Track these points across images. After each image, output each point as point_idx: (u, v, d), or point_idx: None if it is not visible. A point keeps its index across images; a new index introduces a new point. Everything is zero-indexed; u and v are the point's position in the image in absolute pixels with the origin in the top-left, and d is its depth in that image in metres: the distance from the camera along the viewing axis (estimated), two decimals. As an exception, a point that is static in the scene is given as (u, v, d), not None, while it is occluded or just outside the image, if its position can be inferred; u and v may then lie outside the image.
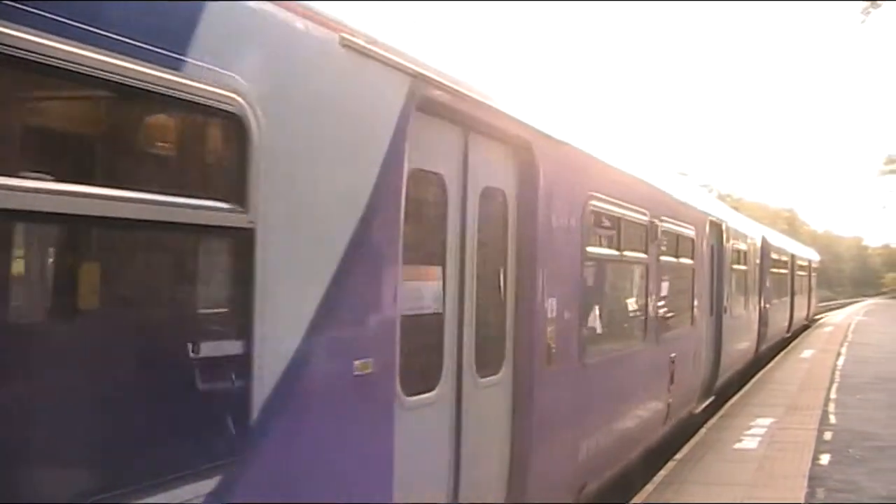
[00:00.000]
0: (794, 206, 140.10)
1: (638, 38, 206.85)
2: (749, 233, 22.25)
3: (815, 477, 10.79)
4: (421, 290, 5.43)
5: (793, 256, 33.65)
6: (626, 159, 10.50)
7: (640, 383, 10.66)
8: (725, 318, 16.96)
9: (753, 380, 20.45)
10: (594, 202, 8.33)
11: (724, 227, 17.03)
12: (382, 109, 4.61)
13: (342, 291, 4.18)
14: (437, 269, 5.53)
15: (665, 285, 11.84)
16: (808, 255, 43.65)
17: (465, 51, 6.72)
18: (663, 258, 11.52)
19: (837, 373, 21.84)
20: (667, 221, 11.47)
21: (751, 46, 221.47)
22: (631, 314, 10.57)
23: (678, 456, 12.03)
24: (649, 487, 10.35)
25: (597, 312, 8.87)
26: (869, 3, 40.33)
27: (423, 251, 5.52)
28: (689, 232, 13.31)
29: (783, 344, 30.11)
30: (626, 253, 9.77)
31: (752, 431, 13.75)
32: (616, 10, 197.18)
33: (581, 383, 7.97)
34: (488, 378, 6.13)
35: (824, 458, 11.86)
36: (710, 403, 15.64)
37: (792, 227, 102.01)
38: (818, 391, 18.52)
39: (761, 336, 23.71)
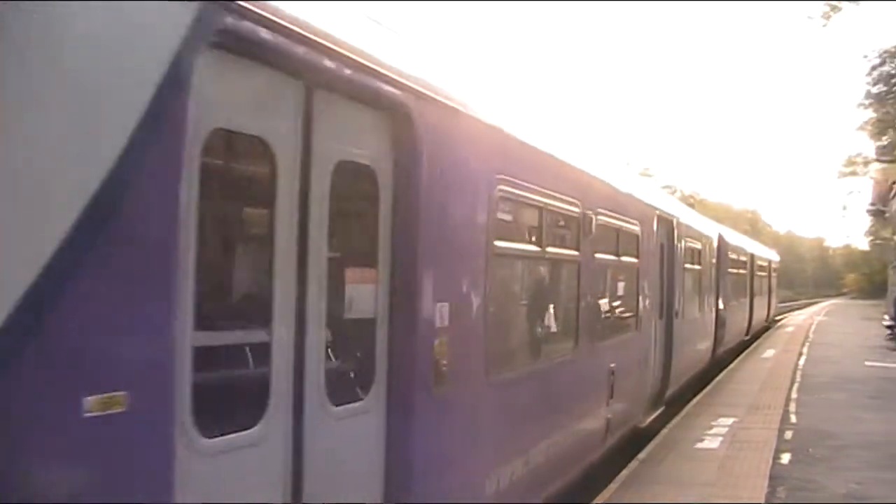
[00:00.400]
0: (757, 207, 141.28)
1: (604, 39, 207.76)
2: (704, 231, 20.98)
3: (776, 476, 10.78)
4: (230, 298, 4.41)
5: (752, 256, 32.45)
6: (553, 139, 9.06)
7: (570, 400, 9.22)
8: (677, 322, 15.71)
9: (709, 386, 19.83)
10: (505, 187, 6.86)
11: (675, 224, 15.73)
12: (144, 44, 3.32)
13: (67, 302, 2.99)
14: (259, 271, 4.30)
15: (602, 286, 10.61)
16: (768, 255, 42.41)
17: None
18: (600, 256, 10.10)
19: (798, 372, 21.95)
20: (605, 215, 10.14)
21: (714, 48, 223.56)
22: (557, 320, 9.08)
23: (640, 456, 11.95)
24: (612, 486, 10.30)
25: (510, 319, 7.69)
26: (829, 7, 41.10)
27: (232, 244, 4.47)
28: (634, 227, 12.07)
29: (742, 347, 29.21)
30: (550, 249, 8.38)
31: (714, 431, 13.70)
32: (580, 11, 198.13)
33: (486, 406, 6.58)
34: (347, 406, 4.78)
35: (785, 458, 11.86)
36: (661, 414, 14.39)
37: (755, 228, 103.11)
38: (779, 391, 18.54)
39: (718, 339, 22.58)
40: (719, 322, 22.74)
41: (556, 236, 8.84)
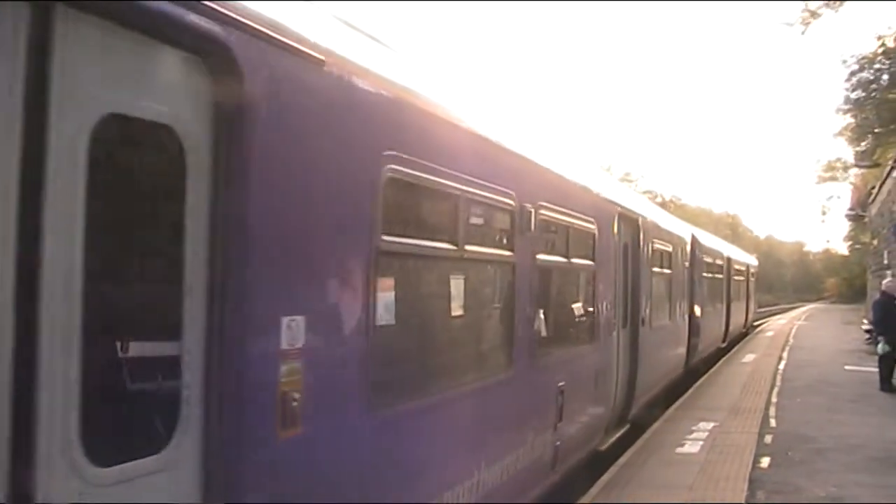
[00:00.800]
0: (738, 211, 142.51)
1: (586, 44, 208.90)
2: (675, 232, 19.40)
3: (756, 479, 10.81)
4: None
5: (728, 260, 30.82)
6: (481, 114, 7.44)
7: (500, 429, 7.50)
8: (644, 331, 14.17)
9: (690, 391, 19.64)
10: (398, 167, 5.25)
11: (640, 223, 14.19)
12: None
13: None
14: None
15: (547, 293, 9.13)
16: (746, 259, 40.95)
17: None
18: (544, 258, 8.61)
19: (778, 376, 21.91)
20: (550, 209, 8.66)
21: (694, 54, 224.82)
22: (483, 333, 7.56)
23: (621, 460, 11.93)
24: (593, 491, 10.37)
25: (411, 335, 6.03)
26: (808, 13, 41.49)
27: None
28: (589, 226, 10.56)
29: (719, 355, 27.98)
30: (470, 248, 6.61)
31: (695, 435, 13.67)
32: (565, 16, 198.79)
33: (369, 448, 5.04)
34: (126, 466, 3.36)
35: (765, 461, 11.87)
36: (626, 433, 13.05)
37: (735, 233, 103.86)
38: (759, 395, 18.55)
39: (692, 348, 21.15)
40: (693, 329, 21.31)
41: (480, 233, 7.17)
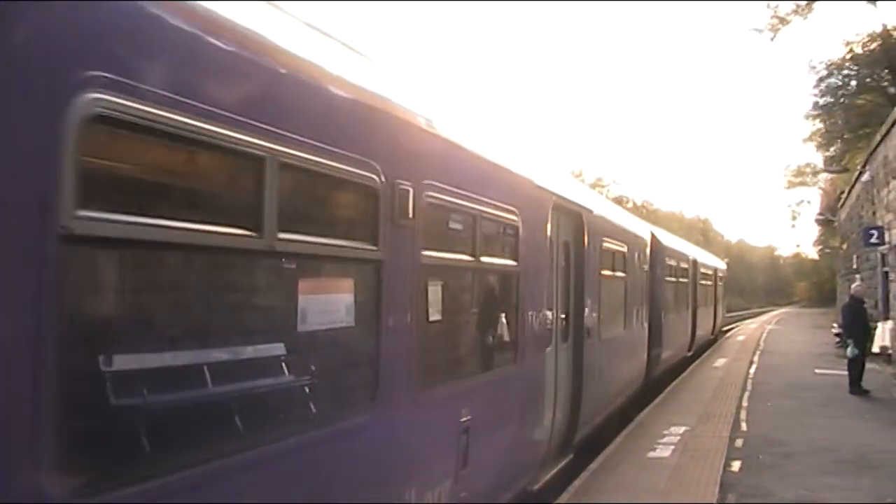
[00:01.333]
0: (709, 216, 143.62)
1: (564, 49, 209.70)
2: (631, 230, 17.33)
3: (726, 483, 10.87)
4: None
5: (694, 263, 29.00)
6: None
7: (368, 487, 5.46)
8: (590, 344, 12.08)
9: (661, 396, 19.47)
10: (107, 97, 3.28)
11: (584, 218, 11.95)
12: None
13: None
14: None
15: (442, 302, 6.68)
16: (713, 262, 39.00)
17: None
18: (433, 255, 6.41)
19: (749, 381, 22.03)
20: (445, 192, 6.57)
21: (666, 59, 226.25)
22: (337, 359, 5.40)
23: (593, 465, 11.95)
24: (564, 497, 10.39)
25: (194, 367, 4.00)
26: (777, 20, 41.98)
27: None
28: (509, 217, 8.35)
29: (685, 364, 26.31)
30: (286, 237, 4.43)
31: (666, 440, 13.72)
32: (536, 20, 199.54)
33: None
34: None
35: (735, 465, 11.94)
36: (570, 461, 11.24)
37: (706, 237, 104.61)
38: (730, 399, 18.60)
39: (653, 360, 19.36)
40: (653, 339, 19.51)
41: (303, 217, 4.88)
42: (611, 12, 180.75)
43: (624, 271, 15.64)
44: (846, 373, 19.90)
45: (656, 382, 20.52)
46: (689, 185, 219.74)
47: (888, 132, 22.35)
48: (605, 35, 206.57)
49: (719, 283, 39.34)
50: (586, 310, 12.04)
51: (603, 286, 13.36)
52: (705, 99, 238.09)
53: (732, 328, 52.60)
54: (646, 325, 18.65)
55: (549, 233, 10.09)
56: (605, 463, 12.23)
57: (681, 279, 25.41)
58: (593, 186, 75.84)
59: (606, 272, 13.82)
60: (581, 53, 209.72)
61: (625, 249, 15.72)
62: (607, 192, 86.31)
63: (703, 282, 31.97)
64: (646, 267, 18.78)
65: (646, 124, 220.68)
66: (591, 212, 12.71)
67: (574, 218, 11.69)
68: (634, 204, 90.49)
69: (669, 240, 24.77)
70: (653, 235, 20.56)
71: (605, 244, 13.69)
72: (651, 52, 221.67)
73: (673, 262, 23.74)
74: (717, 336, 39.58)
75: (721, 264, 43.52)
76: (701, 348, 31.29)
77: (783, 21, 41.11)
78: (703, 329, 31.72)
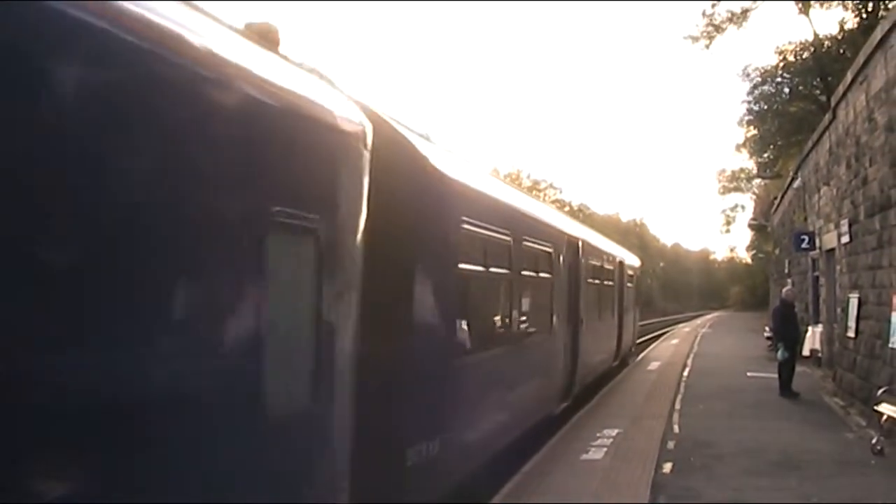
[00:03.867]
0: (645, 219, 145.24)
1: (492, 47, 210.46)
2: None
3: (658, 484, 11.04)
4: None
5: (580, 246, 17.99)
6: None
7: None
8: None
9: (595, 399, 19.51)
10: None
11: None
12: None
13: None
14: None
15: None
16: (613, 251, 25.45)
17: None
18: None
19: (682, 384, 22.34)
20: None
21: (606, 65, 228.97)
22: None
23: (525, 468, 11.95)
24: (495, 500, 10.46)
25: None
26: (712, 28, 42.68)
27: None
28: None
29: (554, 424, 15.45)
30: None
31: (599, 442, 13.85)
32: (473, 15, 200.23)
33: None
34: None
35: (667, 467, 12.11)
36: None
37: (642, 241, 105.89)
38: (663, 401, 18.84)
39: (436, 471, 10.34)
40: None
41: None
42: (552, 12, 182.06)
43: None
44: (777, 376, 20.26)
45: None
46: (626, 188, 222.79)
47: (819, 139, 22.85)
48: (543, 35, 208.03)
49: (628, 285, 27.97)
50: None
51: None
52: (642, 103, 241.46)
53: (664, 334, 52.83)
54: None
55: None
56: (536, 465, 12.28)
57: (541, 274, 15.25)
58: (531, 190, 76.26)
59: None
60: (519, 52, 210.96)
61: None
62: (545, 197, 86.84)
63: (592, 280, 19.95)
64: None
65: (583, 127, 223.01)
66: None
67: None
68: (571, 207, 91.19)
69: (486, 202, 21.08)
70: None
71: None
72: (590, 54, 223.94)
73: (532, 244, 15.10)
74: (623, 359, 27.64)
75: (629, 257, 30.75)
76: (589, 388, 20.12)
77: (718, 29, 41.79)
78: (594, 356, 20.56)
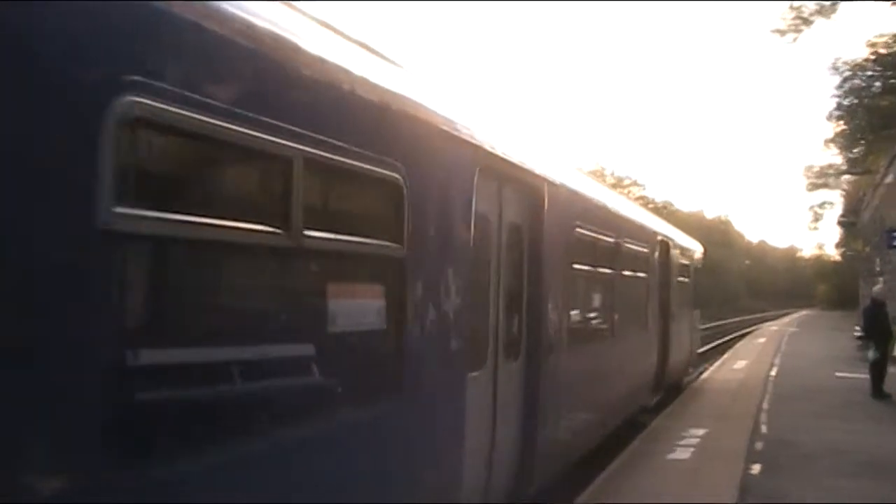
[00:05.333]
0: (730, 216, 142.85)
1: (582, 50, 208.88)
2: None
3: (746, 485, 10.86)
4: None
5: (669, 246, 18.03)
6: None
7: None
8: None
9: (679, 397, 19.55)
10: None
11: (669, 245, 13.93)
12: None
13: None
14: None
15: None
16: (660, 228, 17.96)
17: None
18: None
19: (770, 383, 22.08)
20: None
21: (688, 60, 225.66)
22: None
23: (611, 467, 11.88)
24: (580, 499, 10.47)
25: None
26: (800, 21, 41.72)
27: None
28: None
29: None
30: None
31: (685, 442, 13.68)
32: (559, 19, 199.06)
33: None
34: None
35: (755, 468, 11.89)
36: None
37: (727, 238, 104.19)
38: (750, 401, 18.55)
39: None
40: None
41: None
42: (637, 12, 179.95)
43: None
44: (867, 376, 19.83)
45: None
46: (711, 185, 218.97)
47: (911, 134, 22.24)
48: (628, 32, 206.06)
49: (681, 278, 20.27)
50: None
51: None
52: (730, 99, 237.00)
53: (749, 332, 51.81)
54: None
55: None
56: (623, 465, 12.25)
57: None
58: (614, 187, 75.64)
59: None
60: (604, 53, 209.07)
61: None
62: (629, 193, 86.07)
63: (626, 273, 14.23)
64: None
65: (667, 123, 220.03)
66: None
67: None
68: (655, 204, 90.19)
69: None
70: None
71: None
72: (674, 50, 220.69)
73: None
74: (682, 382, 21.62)
75: (693, 244, 23.81)
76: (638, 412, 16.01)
77: (806, 22, 40.81)
78: (629, 382, 14.81)
